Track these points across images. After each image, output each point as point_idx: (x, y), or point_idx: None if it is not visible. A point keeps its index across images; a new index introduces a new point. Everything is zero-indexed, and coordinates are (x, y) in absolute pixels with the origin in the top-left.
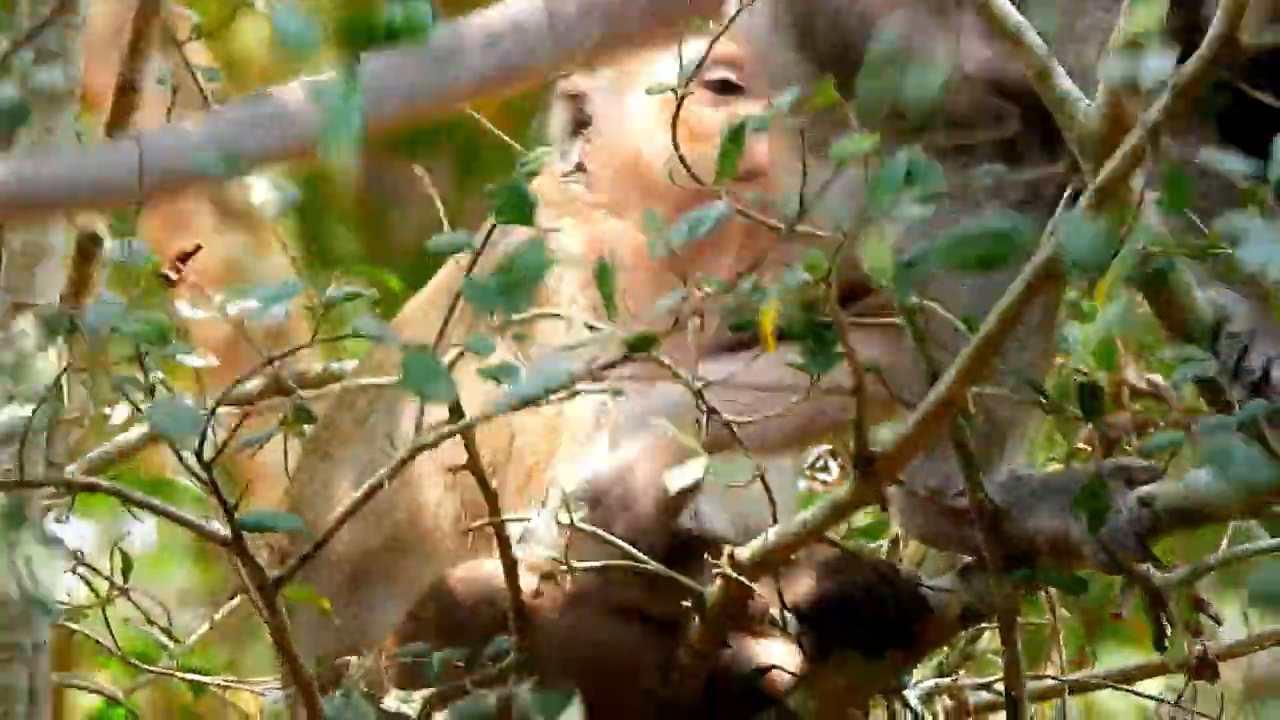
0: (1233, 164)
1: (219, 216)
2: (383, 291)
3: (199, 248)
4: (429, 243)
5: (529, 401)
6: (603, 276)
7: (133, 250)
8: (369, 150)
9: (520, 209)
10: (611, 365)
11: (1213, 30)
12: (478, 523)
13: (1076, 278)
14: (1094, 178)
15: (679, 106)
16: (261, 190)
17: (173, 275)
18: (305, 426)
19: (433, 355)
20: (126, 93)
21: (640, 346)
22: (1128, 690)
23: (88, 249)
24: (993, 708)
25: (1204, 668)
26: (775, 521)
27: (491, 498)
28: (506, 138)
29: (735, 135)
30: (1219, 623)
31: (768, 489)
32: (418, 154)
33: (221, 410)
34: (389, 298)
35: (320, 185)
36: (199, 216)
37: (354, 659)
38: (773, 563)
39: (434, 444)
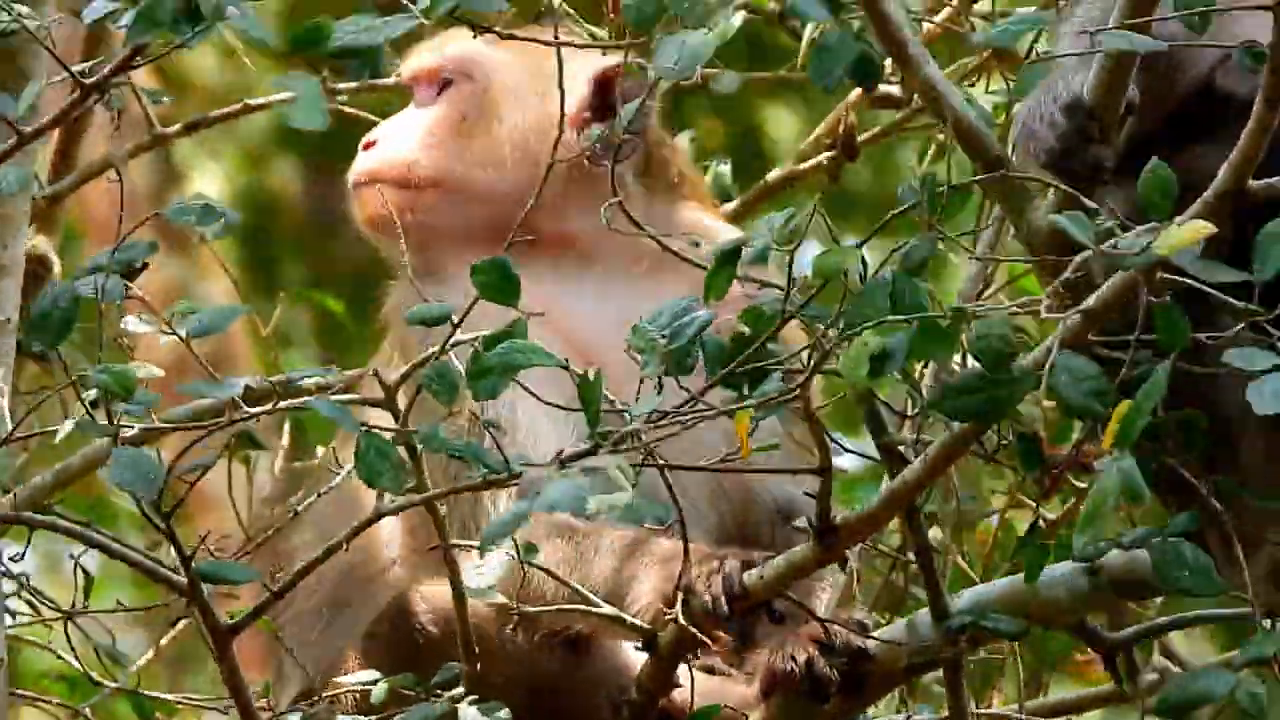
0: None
1: (160, 238)
2: (325, 315)
3: (146, 265)
4: (408, 313)
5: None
6: (586, 390)
7: (107, 290)
8: (312, 174)
9: (504, 289)
10: (579, 456)
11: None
12: (433, 546)
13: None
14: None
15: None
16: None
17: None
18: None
19: (387, 443)
20: (76, 118)
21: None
22: None
23: (38, 271)
24: None
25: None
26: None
27: (440, 525)
28: None
29: (729, 257)
30: (1184, 668)
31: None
32: None
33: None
34: (331, 319)
35: (264, 210)
36: (139, 237)
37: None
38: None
39: (395, 511)
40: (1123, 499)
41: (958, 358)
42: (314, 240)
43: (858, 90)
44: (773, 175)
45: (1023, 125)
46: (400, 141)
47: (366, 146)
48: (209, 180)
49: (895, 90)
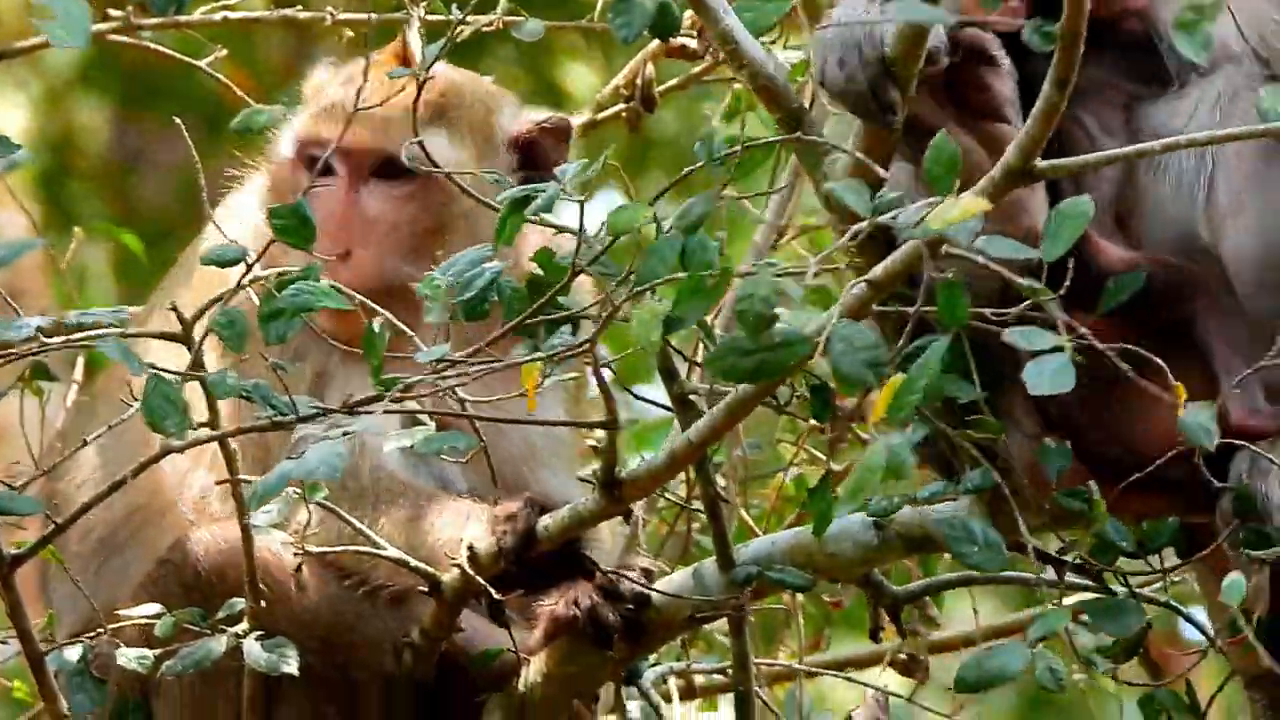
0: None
1: None
2: (123, 251)
3: None
4: (203, 255)
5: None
6: (370, 346)
7: None
8: (113, 110)
9: (300, 233)
10: (366, 402)
11: None
12: (221, 480)
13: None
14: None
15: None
16: None
17: None
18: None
19: (172, 388)
20: None
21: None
22: (857, 681)
23: None
24: (724, 689)
25: (914, 666)
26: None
27: (231, 463)
28: (252, 101)
29: (518, 204)
30: (936, 626)
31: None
32: (162, 114)
33: None
34: (130, 258)
35: (66, 148)
36: None
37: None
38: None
39: (183, 449)
40: (889, 474)
41: None
42: (115, 179)
43: (656, 42)
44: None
45: (822, 68)
46: (364, 258)
47: (343, 258)
48: (12, 115)
49: (693, 43)
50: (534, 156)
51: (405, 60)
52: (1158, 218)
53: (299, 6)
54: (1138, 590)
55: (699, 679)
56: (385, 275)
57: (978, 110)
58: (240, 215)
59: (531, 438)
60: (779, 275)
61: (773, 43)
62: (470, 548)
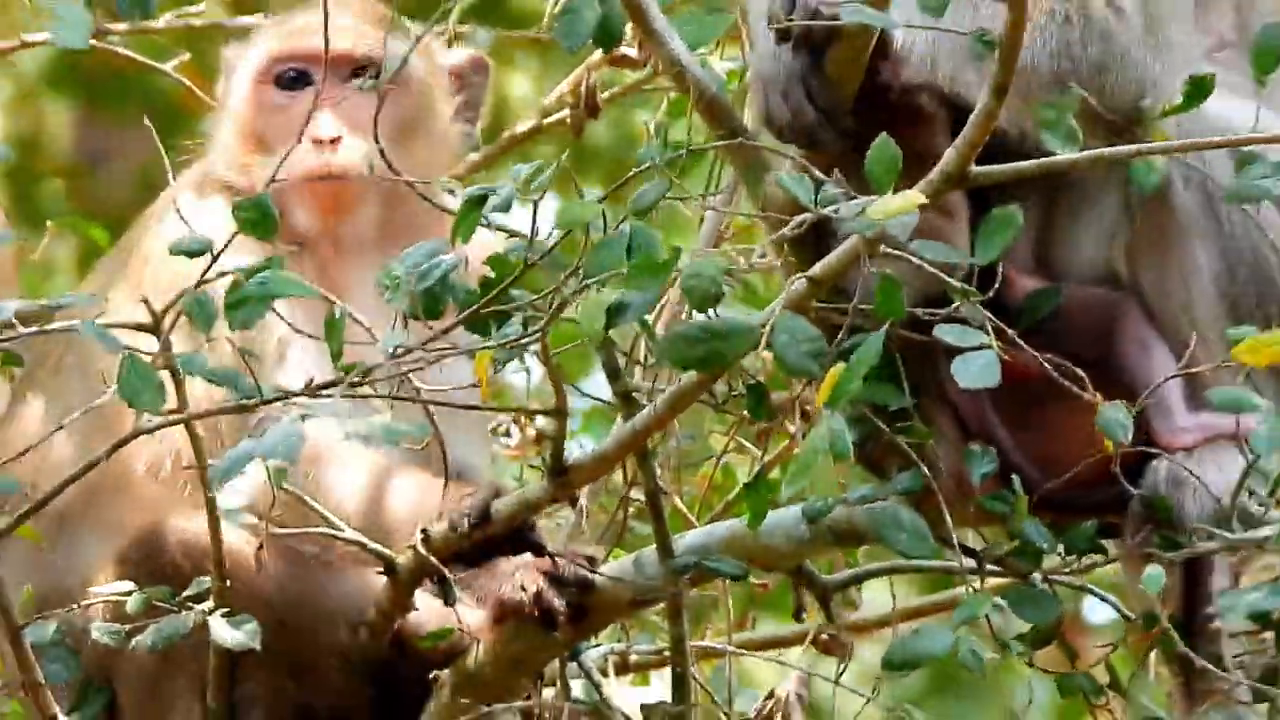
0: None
1: None
2: (88, 243)
3: None
4: (170, 245)
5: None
6: (331, 332)
7: None
8: (78, 111)
9: (264, 225)
10: (327, 386)
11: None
12: (187, 466)
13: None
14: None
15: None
16: None
17: None
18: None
19: (148, 366)
20: None
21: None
22: (780, 662)
23: None
24: (656, 665)
25: (835, 646)
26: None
27: (199, 446)
28: (207, 99)
29: (475, 203)
30: (855, 608)
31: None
32: (124, 115)
33: None
34: (94, 251)
35: (32, 147)
36: None
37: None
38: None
39: (155, 429)
40: (830, 456)
41: None
42: (80, 177)
43: (599, 51)
44: (519, 129)
45: (765, 105)
46: (354, 144)
47: (321, 142)
48: None
49: (633, 52)
50: (466, 85)
51: None
52: (1076, 255)
53: (260, 14)
54: (1055, 577)
55: (635, 658)
56: (370, 158)
57: (909, 122)
58: (192, 207)
59: (455, 421)
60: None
61: (710, 53)
62: (424, 530)
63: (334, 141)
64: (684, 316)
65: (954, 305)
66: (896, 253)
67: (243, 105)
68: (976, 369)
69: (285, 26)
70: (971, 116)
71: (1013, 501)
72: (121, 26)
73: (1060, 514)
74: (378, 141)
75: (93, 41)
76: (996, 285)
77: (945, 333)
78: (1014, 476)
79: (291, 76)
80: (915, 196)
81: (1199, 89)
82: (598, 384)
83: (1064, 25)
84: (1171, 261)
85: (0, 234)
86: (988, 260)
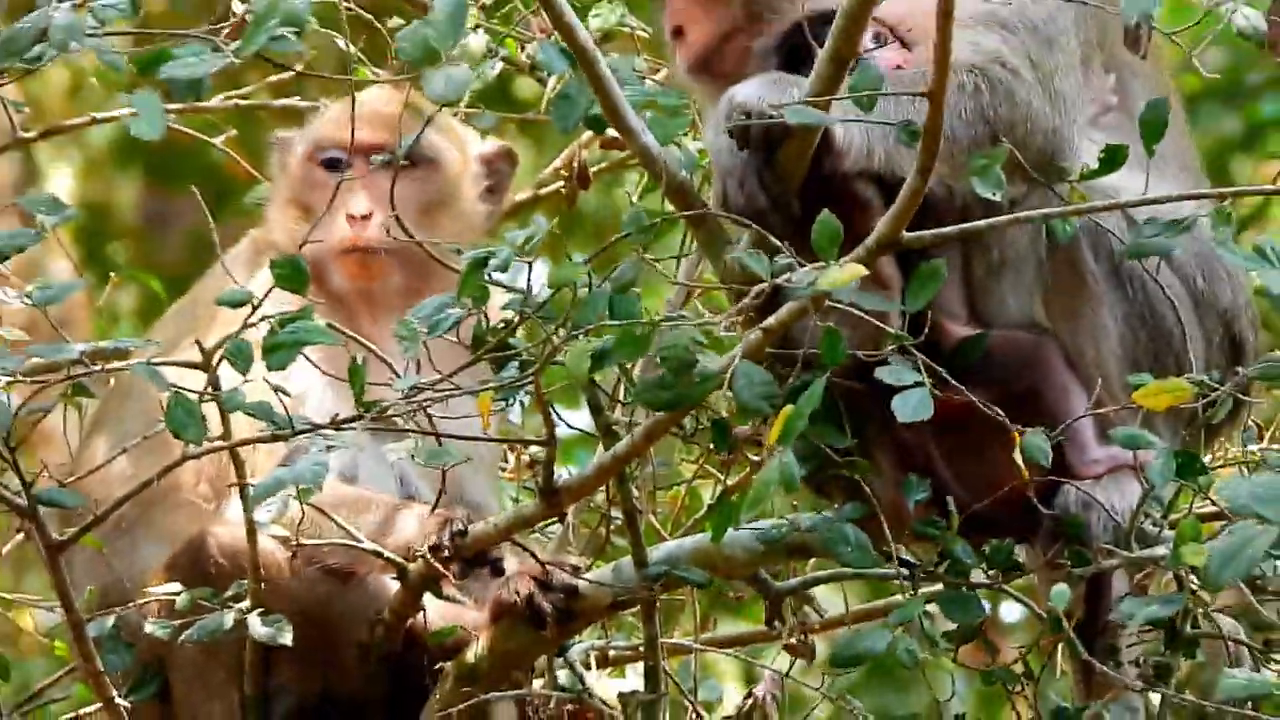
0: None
1: (19, 224)
2: (148, 293)
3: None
4: (220, 296)
5: (280, 436)
6: (354, 376)
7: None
8: (141, 179)
9: (296, 279)
10: (350, 420)
11: None
12: (231, 483)
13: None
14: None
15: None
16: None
17: None
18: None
19: (193, 402)
20: None
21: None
22: (744, 659)
23: None
24: (631, 660)
25: (802, 648)
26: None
27: (240, 469)
28: (255, 173)
29: (478, 264)
30: (821, 615)
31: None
32: (181, 184)
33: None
34: (153, 300)
35: (102, 211)
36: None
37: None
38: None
39: (200, 455)
40: (781, 486)
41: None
42: (142, 239)
43: (589, 132)
44: (519, 197)
45: (723, 191)
46: (382, 220)
47: (354, 218)
48: (60, 181)
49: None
50: (493, 171)
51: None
52: (1002, 307)
53: (297, 96)
54: (980, 583)
55: (613, 653)
56: (396, 233)
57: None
58: (239, 266)
59: (473, 454)
60: (698, 325)
61: (681, 138)
62: (429, 540)
63: (365, 218)
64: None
65: (890, 348)
66: (839, 306)
67: (293, 181)
68: (912, 404)
69: (330, 116)
70: (901, 193)
71: (943, 527)
72: (177, 106)
73: (985, 534)
74: (395, 214)
75: None
76: (925, 332)
77: (884, 373)
78: (948, 499)
79: (334, 159)
80: (857, 268)
81: (1113, 157)
82: (583, 418)
83: (974, 93)
84: (1083, 324)
85: (73, 283)
86: (916, 308)
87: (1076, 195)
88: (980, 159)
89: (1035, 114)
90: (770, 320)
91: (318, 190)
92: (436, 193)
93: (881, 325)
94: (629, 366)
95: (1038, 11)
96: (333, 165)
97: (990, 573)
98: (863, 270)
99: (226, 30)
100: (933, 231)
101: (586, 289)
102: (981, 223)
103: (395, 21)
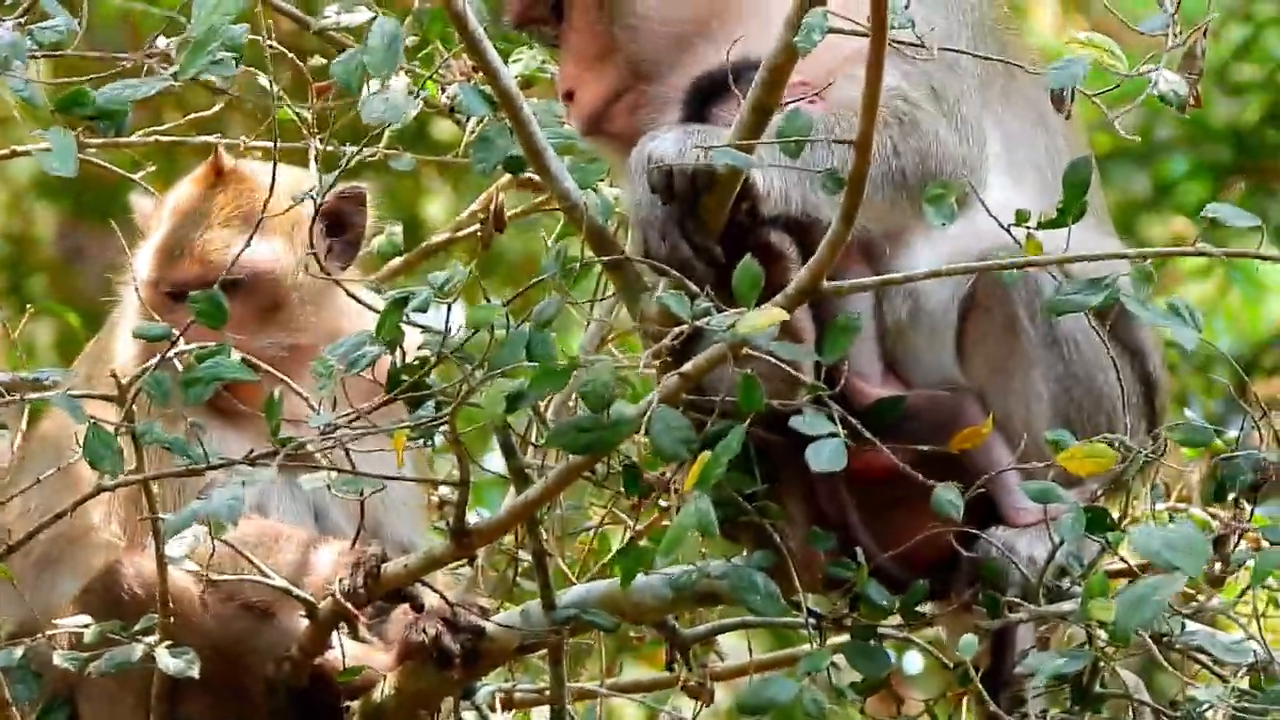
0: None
1: None
2: (65, 327)
3: None
4: (134, 329)
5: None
6: (270, 409)
7: None
8: (61, 214)
9: (215, 315)
10: (265, 456)
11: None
12: (142, 518)
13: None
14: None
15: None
16: None
17: None
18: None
19: (109, 434)
20: None
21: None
22: (649, 705)
23: None
24: (536, 703)
25: (701, 690)
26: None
27: (152, 503)
28: None
29: (397, 304)
30: (721, 659)
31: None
32: (101, 219)
33: None
34: (70, 333)
35: (22, 244)
36: None
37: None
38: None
39: (113, 488)
40: (697, 531)
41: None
42: (61, 272)
43: (507, 175)
44: (435, 239)
45: (644, 242)
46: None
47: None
48: None
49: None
50: (339, 222)
51: (219, 170)
52: (919, 363)
53: (218, 134)
54: (888, 633)
55: (519, 696)
56: (254, 347)
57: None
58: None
59: (390, 491)
60: (615, 367)
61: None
62: (341, 581)
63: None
64: (571, 405)
65: (805, 398)
66: (756, 354)
67: (144, 300)
68: (826, 455)
69: (158, 250)
70: (823, 240)
71: (855, 569)
72: (98, 141)
73: (895, 588)
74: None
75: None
76: (840, 387)
77: (799, 423)
78: (857, 550)
79: (174, 293)
80: (777, 313)
81: (1068, 208)
82: (495, 460)
83: (884, 128)
84: (1015, 386)
85: None
86: (831, 360)
87: (1033, 246)
88: (938, 186)
89: (943, 141)
90: (688, 365)
91: (167, 316)
92: (270, 298)
93: (797, 375)
94: (543, 409)
95: (936, 36)
96: (175, 297)
97: (899, 623)
98: (784, 315)
99: (156, 59)
100: (850, 282)
101: (504, 330)
102: (900, 275)
103: (316, 61)
